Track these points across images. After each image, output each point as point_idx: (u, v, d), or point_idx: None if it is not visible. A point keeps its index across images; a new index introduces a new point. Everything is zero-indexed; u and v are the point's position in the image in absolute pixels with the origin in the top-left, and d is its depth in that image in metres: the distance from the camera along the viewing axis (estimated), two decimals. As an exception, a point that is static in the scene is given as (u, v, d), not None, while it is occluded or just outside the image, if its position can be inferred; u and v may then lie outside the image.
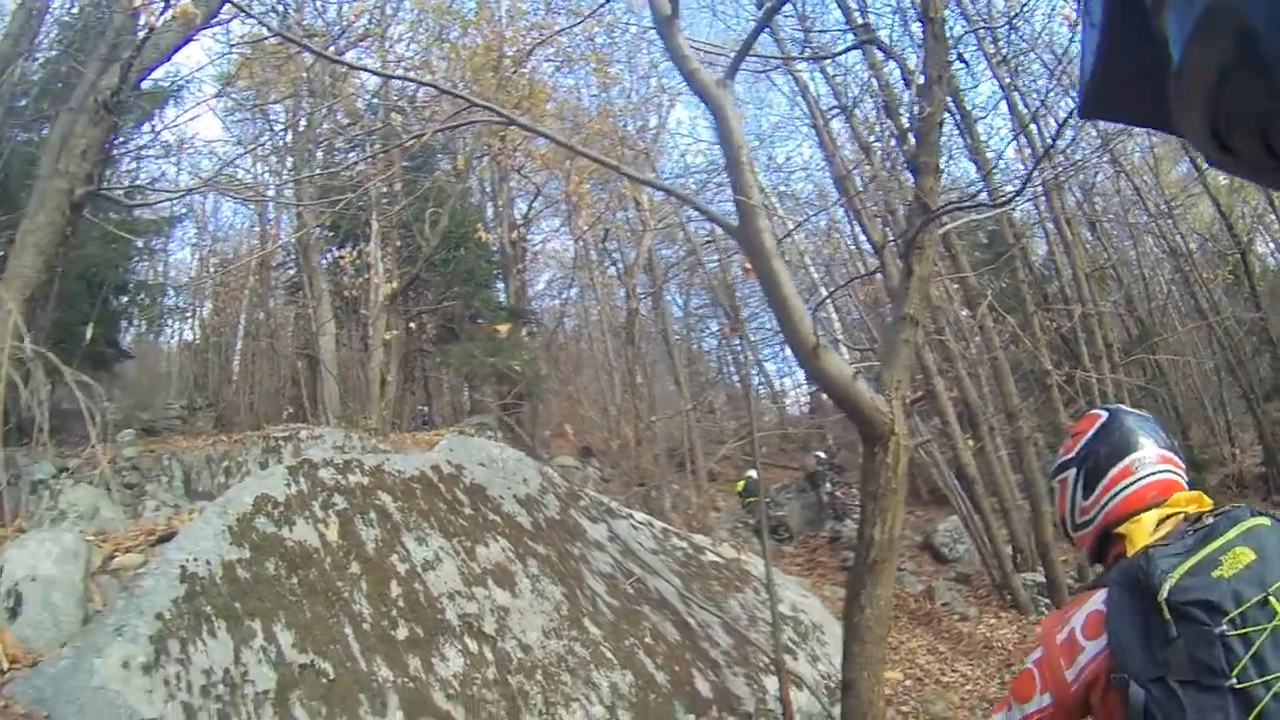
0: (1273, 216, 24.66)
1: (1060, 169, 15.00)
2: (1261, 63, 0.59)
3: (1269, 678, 2.06)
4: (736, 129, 6.30)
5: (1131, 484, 2.64)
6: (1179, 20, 0.66)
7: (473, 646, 5.81)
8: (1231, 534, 2.28)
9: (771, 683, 7.06)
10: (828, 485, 22.15)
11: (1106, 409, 2.87)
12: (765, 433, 21.17)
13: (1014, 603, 14.55)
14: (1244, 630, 2.11)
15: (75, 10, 20.34)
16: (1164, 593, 2.19)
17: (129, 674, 4.37)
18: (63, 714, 4.17)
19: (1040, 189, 16.94)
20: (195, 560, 5.17)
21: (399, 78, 14.86)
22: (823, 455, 24.48)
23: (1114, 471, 2.65)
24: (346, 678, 5.07)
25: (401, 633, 5.59)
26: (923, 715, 8.96)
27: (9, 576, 5.20)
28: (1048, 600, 14.39)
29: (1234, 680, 2.07)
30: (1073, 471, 2.73)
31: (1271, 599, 2.13)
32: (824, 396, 36.81)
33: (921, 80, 6.80)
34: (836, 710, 6.86)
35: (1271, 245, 29.79)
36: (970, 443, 16.29)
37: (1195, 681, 2.12)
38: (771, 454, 26.96)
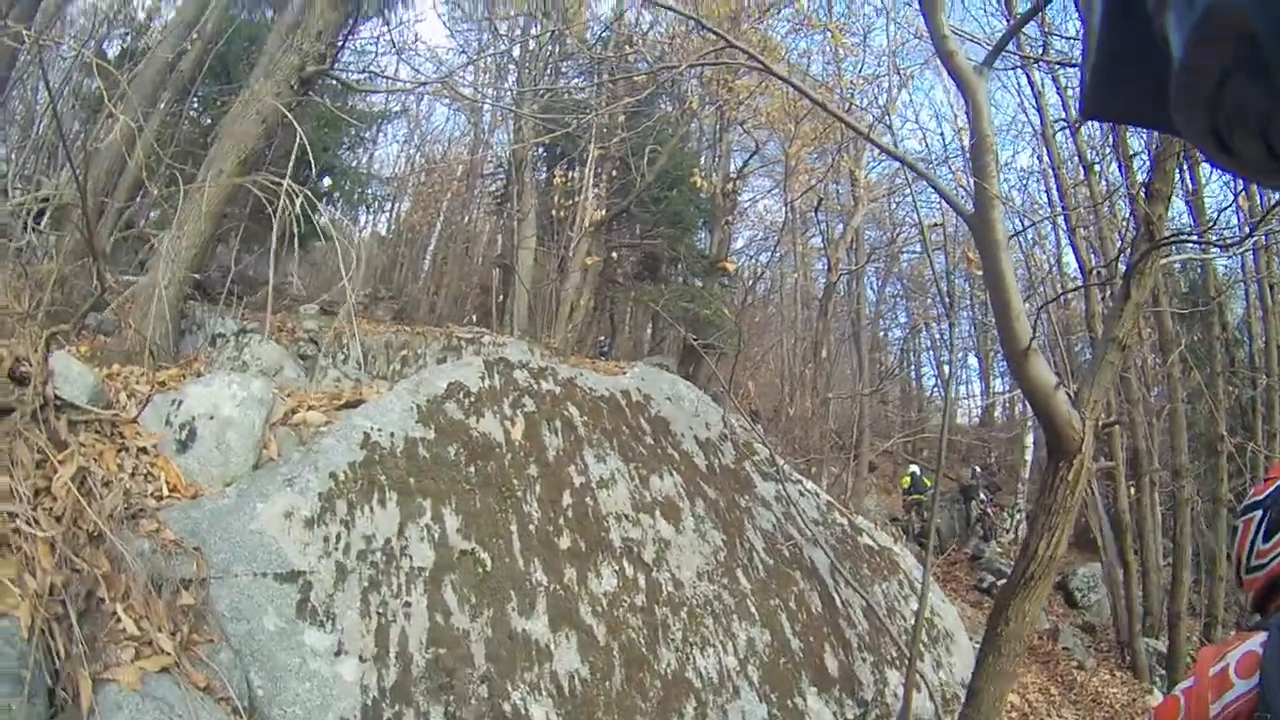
0: None
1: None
2: (1262, 63, 0.61)
3: None
4: (987, 115, 6.33)
5: None
6: (1179, 21, 0.67)
7: (628, 570, 5.94)
8: None
9: (894, 676, 7.06)
10: (980, 500, 21.70)
11: None
12: (932, 434, 20.79)
13: (1132, 664, 14.35)
14: None
15: None
16: None
17: (289, 524, 4.62)
18: (214, 548, 4.40)
19: (1251, 247, 16.28)
20: (379, 430, 5.42)
21: (651, 2, 14.90)
22: (979, 470, 24.05)
23: None
24: (502, 572, 5.25)
25: (564, 542, 5.75)
26: (1023, 750, 8.85)
27: (186, 411, 5.43)
28: (1164, 671, 14.19)
29: None
30: (1258, 514, 2.70)
31: None
32: (996, 413, 36.16)
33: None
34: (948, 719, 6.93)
35: None
36: (1131, 490, 15.91)
37: None
38: (930, 458, 26.63)
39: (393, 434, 5.48)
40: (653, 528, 6.40)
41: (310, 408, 6.46)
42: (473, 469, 5.69)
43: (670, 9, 12.47)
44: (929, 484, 19.22)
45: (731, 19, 15.69)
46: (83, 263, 9.34)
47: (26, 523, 4.01)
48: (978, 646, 6.67)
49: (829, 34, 16.04)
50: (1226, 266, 20.21)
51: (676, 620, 5.93)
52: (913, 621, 7.13)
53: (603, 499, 6.26)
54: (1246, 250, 15.32)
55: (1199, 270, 19.54)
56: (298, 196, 8.01)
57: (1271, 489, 2.61)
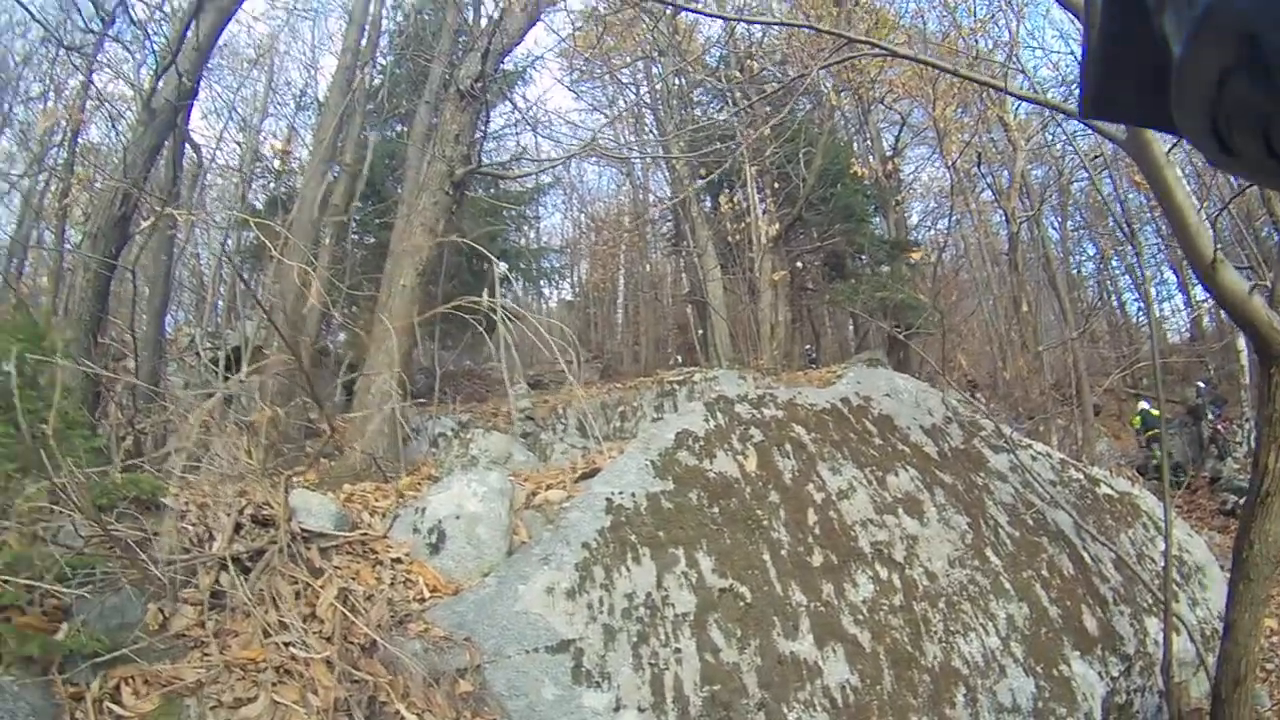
0: None
1: None
2: (1262, 63, 0.62)
3: None
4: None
5: None
6: (1179, 21, 0.70)
7: (882, 573, 6.05)
8: None
9: (1153, 624, 6.96)
10: (1209, 418, 20.78)
11: None
12: (1147, 363, 20.07)
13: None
14: None
15: (402, 19, 21.85)
16: None
17: (552, 599, 4.89)
18: (483, 635, 4.68)
19: None
20: (620, 493, 5.67)
21: (754, 21, 14.99)
22: (1203, 386, 22.95)
23: None
24: (762, 601, 5.43)
25: (816, 559, 5.91)
26: (1285, 677, 8.53)
27: (432, 516, 5.76)
28: None
29: None
30: None
31: None
32: (1204, 322, 34.61)
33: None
34: (1210, 659, 6.72)
35: None
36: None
37: None
38: (1150, 386, 25.71)
39: (633, 494, 5.73)
40: (898, 526, 6.49)
41: (549, 486, 6.72)
42: (716, 509, 5.88)
43: (779, 24, 12.57)
44: (1165, 424, 18.50)
45: (836, 3, 15.66)
46: (295, 402, 9.93)
47: (300, 648, 4.43)
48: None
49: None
50: None
51: (935, 612, 6.00)
52: (1163, 564, 6.95)
53: (845, 509, 6.39)
54: None
55: None
56: (496, 310, 8.39)
57: None
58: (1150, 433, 20.37)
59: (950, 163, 20.18)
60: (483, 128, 13.02)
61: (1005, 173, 21.68)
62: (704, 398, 7.17)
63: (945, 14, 16.82)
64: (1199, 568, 8.18)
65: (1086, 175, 22.83)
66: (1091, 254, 36.43)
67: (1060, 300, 23.46)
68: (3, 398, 5.13)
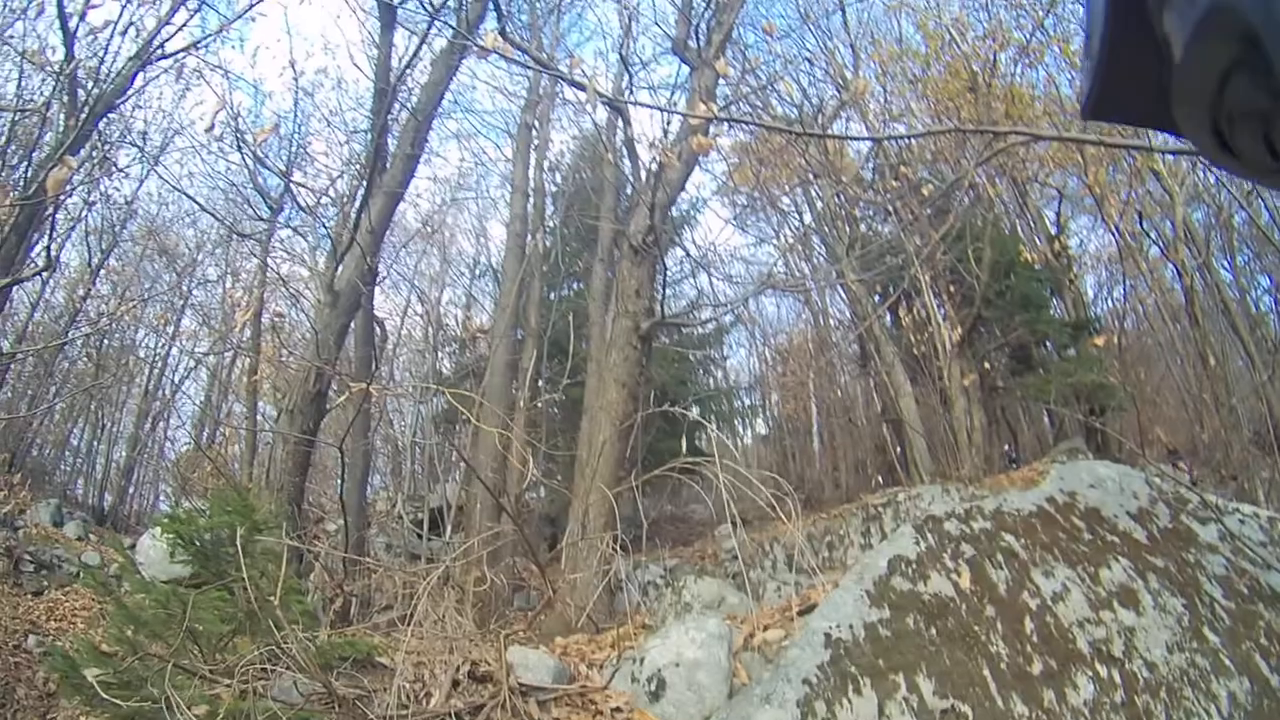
0: None
1: None
2: (1263, 63, 0.63)
3: None
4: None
5: None
6: (1180, 21, 0.71)
7: (1102, 671, 5.99)
8: None
9: None
10: None
11: None
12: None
13: None
14: None
15: (561, 180, 22.79)
16: None
17: None
18: None
19: None
20: (838, 626, 5.78)
21: (901, 137, 15.16)
22: None
23: None
24: (983, 716, 5.46)
25: (1036, 667, 5.89)
26: None
27: (651, 665, 6.00)
28: None
29: None
30: None
31: None
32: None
33: None
34: None
35: None
36: None
37: None
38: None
39: (851, 625, 5.82)
40: (1114, 620, 6.41)
41: (767, 627, 6.88)
42: (934, 630, 5.94)
43: (924, 134, 12.78)
44: None
45: (969, 88, 15.77)
46: (506, 562, 10.32)
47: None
48: None
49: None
50: None
51: (1158, 703, 5.91)
52: None
53: (1061, 612, 6.35)
54: None
55: None
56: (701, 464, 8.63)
57: None
58: None
59: (1114, 225, 19.83)
60: (661, 279, 13.45)
61: (1168, 223, 21.22)
62: (910, 518, 7.21)
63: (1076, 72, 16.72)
64: None
65: (1245, 209, 22.26)
66: (1266, 285, 35.00)
67: (1244, 344, 22.63)
68: (223, 568, 5.57)
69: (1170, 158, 17.25)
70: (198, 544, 5.83)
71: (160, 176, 20.76)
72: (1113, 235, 22.36)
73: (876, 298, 22.40)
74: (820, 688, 5.37)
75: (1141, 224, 21.27)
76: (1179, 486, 8.36)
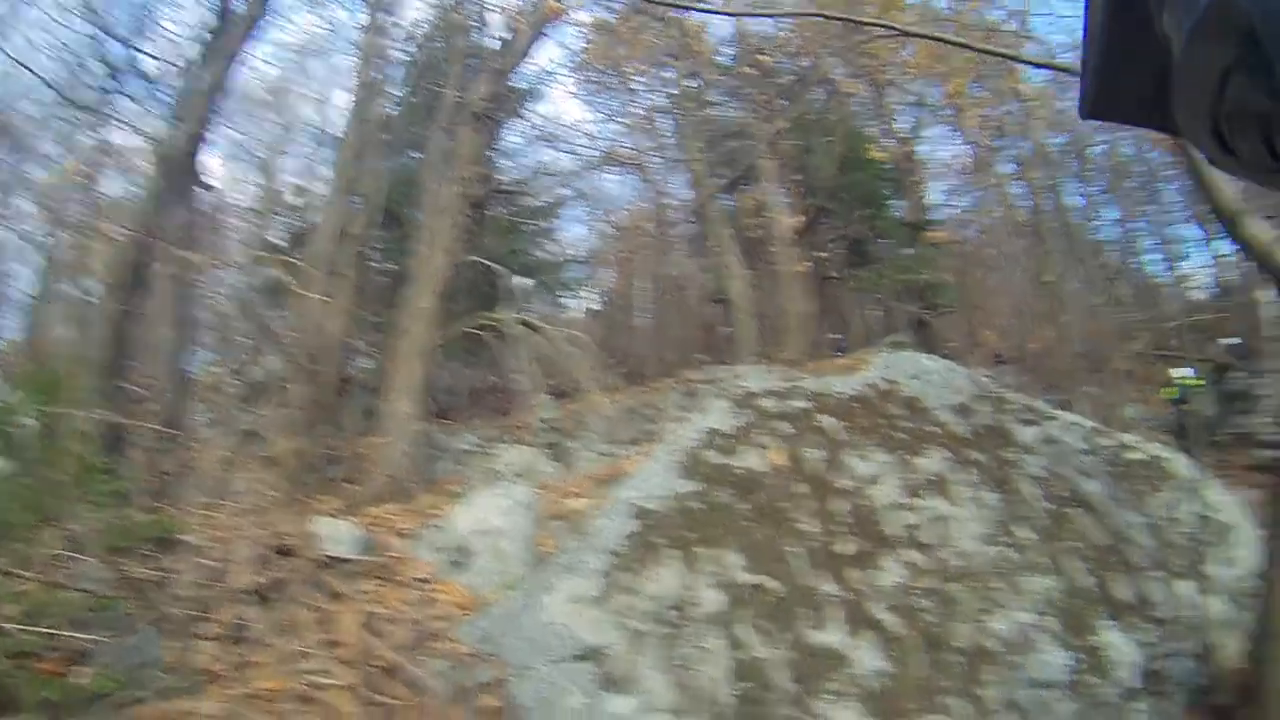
0: None
1: None
2: (1262, 63, 0.61)
3: None
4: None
5: None
6: (1180, 21, 0.69)
7: (911, 556, 5.96)
8: None
9: (1184, 587, 6.82)
10: (1235, 371, 20.43)
11: None
12: (1171, 324, 19.75)
13: None
14: None
15: (415, 49, 22.08)
16: None
17: (578, 608, 4.86)
18: (510, 650, 4.69)
19: None
20: (647, 497, 5.63)
21: (761, 14, 14.90)
22: (1230, 342, 22.69)
23: None
24: (792, 595, 5.37)
25: (846, 548, 5.83)
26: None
27: (456, 533, 5.84)
28: None
29: None
30: None
31: None
32: (1229, 279, 34.16)
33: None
34: (1246, 618, 6.65)
35: None
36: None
37: None
38: (1179, 347, 25.39)
39: (660, 497, 5.69)
40: (927, 508, 6.39)
41: (575, 496, 6.78)
42: (744, 505, 5.84)
43: (786, 14, 12.50)
44: (1194, 384, 18.15)
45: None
46: (318, 431, 10.00)
47: (321, 676, 4.45)
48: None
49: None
50: None
51: (966, 592, 5.91)
52: (1194, 527, 6.95)
53: (874, 495, 6.31)
54: None
55: None
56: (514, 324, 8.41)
57: None
58: (1183, 405, 19.99)
59: (970, 139, 19.99)
60: (497, 146, 13.06)
61: (1026, 144, 21.47)
62: (729, 395, 7.10)
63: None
64: (1231, 526, 8.06)
65: (1106, 140, 22.65)
66: (1115, 218, 36.10)
67: (1085, 267, 23.19)
68: (23, 450, 5.20)
69: (1035, 81, 17.39)
70: (9, 434, 5.40)
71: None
72: (967, 147, 22.52)
73: (719, 180, 22.22)
74: (626, 558, 5.24)
75: (999, 140, 21.39)
76: (1003, 388, 8.40)
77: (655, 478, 5.85)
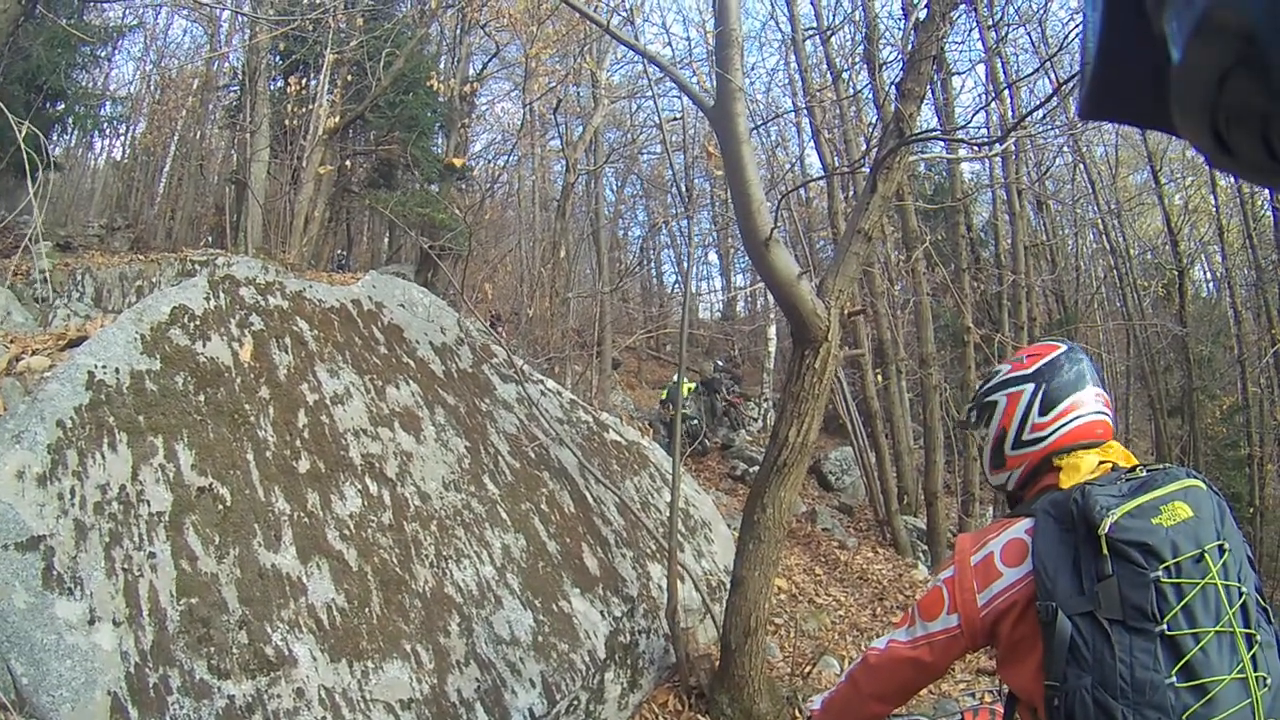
0: (1217, 248, 25.47)
1: (1027, 134, 15.07)
2: (1261, 63, 0.60)
3: (1198, 630, 2.19)
4: (735, 9, 6.24)
5: (1083, 416, 2.72)
6: (1179, 20, 0.66)
7: (372, 488, 5.72)
8: (1171, 488, 2.37)
9: (657, 570, 7.09)
10: (724, 392, 22.08)
11: (1064, 341, 2.90)
12: (680, 326, 21.02)
13: (893, 541, 14.81)
14: (1178, 580, 2.22)
15: None
16: (1105, 528, 2.26)
17: (23, 485, 4.22)
18: None
19: (999, 155, 17.17)
20: (104, 367, 5.01)
21: None
22: (721, 363, 24.61)
23: (1074, 396, 2.73)
24: (243, 506, 4.97)
25: (303, 465, 5.48)
26: (795, 630, 9.05)
27: None
28: (925, 546, 14.84)
29: (1164, 627, 2.19)
30: (1029, 386, 2.78)
31: (1207, 557, 2.26)
32: (738, 307, 37.18)
33: (924, 13, 6.73)
34: (717, 608, 7.09)
35: (1208, 274, 30.74)
36: (879, 378, 16.48)
37: (1123, 621, 2.22)
38: (673, 353, 27.09)
39: (118, 369, 5.07)
40: (393, 440, 6.19)
41: (35, 352, 6.15)
42: (203, 398, 5.33)
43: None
44: (687, 391, 19.35)
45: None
46: None
47: None
48: (738, 533, 6.69)
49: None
50: (973, 172, 21.27)
51: (428, 535, 5.76)
52: (668, 514, 7.14)
53: (339, 415, 6.00)
54: (997, 155, 16.07)
55: (945, 173, 20.51)
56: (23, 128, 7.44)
57: (1039, 363, 2.83)
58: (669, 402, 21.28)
59: (528, 102, 20.34)
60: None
61: (580, 125, 22.09)
62: (210, 276, 6.51)
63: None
64: (705, 523, 8.47)
65: (659, 149, 23.79)
66: (642, 219, 38.26)
67: (600, 255, 24.19)
68: None
69: (615, 79, 17.95)
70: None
71: None
72: (523, 110, 22.86)
73: (277, 58, 21.28)
74: (75, 434, 4.59)
75: (555, 113, 21.82)
76: (490, 340, 8.46)
77: (115, 347, 5.21)
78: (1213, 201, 22.95)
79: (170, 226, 25.43)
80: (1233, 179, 21.73)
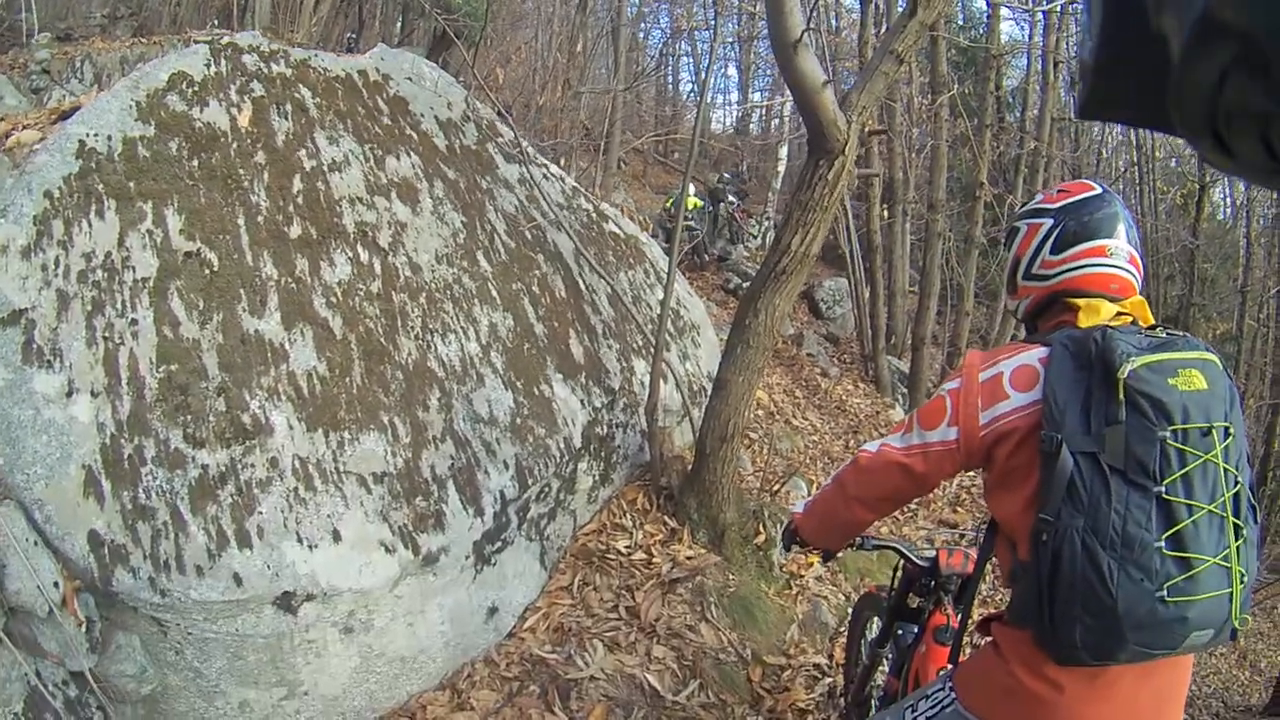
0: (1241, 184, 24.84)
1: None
2: (1261, 63, 0.59)
3: (1192, 503, 2.21)
4: None
5: (1101, 264, 2.67)
6: (1178, 20, 0.66)
7: (363, 256, 5.68)
8: (1189, 354, 2.37)
9: (640, 365, 7.12)
10: (729, 201, 21.85)
11: (1102, 185, 2.81)
12: (684, 137, 20.75)
13: (875, 379, 14.96)
14: (1183, 446, 2.23)
15: None
16: (1124, 372, 2.26)
17: (6, 259, 4.18)
18: None
19: (1043, 17, 16.73)
20: (95, 135, 4.89)
21: None
22: (728, 175, 24.23)
23: (1092, 244, 2.67)
24: (230, 270, 4.93)
25: (294, 231, 5.42)
26: (769, 448, 9.13)
27: None
28: (905, 390, 14.92)
29: (1162, 489, 2.21)
30: (1049, 221, 2.73)
31: (1214, 433, 2.26)
32: (751, 122, 36.69)
33: None
34: (696, 412, 7.14)
35: (1228, 199, 30.39)
36: (884, 214, 16.33)
37: (1124, 472, 2.24)
38: (681, 160, 26.81)
39: (110, 137, 4.95)
40: (388, 210, 6.11)
41: (25, 127, 6.12)
42: (196, 163, 5.22)
43: None
44: (694, 205, 19.15)
45: None
46: None
47: None
48: (724, 340, 6.68)
49: None
50: (1009, 35, 20.70)
51: (415, 307, 5.74)
52: (658, 311, 7.15)
53: (335, 183, 5.90)
54: (1040, 10, 15.64)
55: (984, 29, 19.85)
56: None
57: (1065, 201, 2.76)
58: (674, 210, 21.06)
59: None
60: None
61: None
62: (211, 42, 6.33)
63: None
64: (694, 325, 8.47)
65: None
66: (664, 24, 37.44)
67: (617, 53, 23.73)
68: None
69: None
70: None
71: None
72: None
73: None
74: (62, 204, 4.52)
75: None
76: (498, 119, 8.27)
77: (109, 115, 5.09)
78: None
79: (176, 12, 24.89)
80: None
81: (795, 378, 13.27)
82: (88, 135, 4.83)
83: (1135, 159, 25.44)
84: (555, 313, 6.74)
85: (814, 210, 5.77)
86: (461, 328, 5.90)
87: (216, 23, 20.97)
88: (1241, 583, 2.23)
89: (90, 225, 4.51)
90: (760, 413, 10.08)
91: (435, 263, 6.10)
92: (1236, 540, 2.23)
